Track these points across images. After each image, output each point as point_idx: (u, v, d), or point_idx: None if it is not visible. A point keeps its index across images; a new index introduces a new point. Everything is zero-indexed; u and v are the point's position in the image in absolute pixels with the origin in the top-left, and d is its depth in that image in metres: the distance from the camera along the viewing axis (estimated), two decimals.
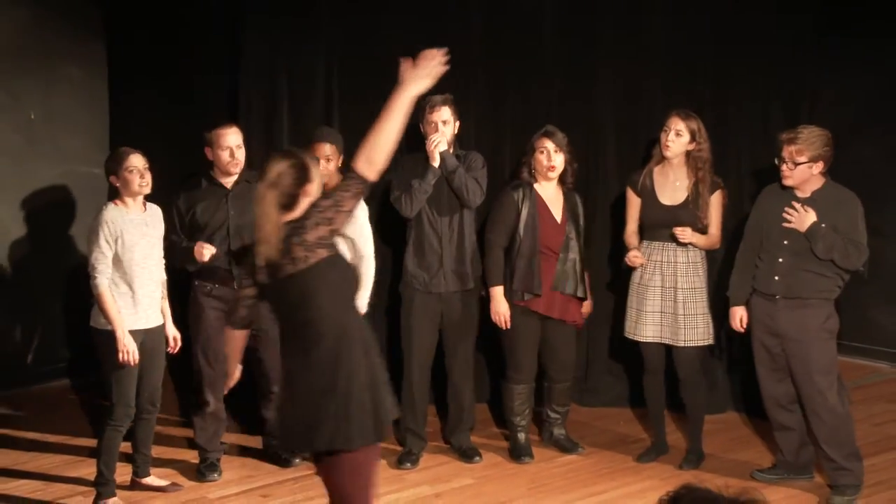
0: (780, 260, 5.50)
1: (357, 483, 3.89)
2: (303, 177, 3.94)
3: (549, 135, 5.98)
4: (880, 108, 7.42)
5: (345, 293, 3.96)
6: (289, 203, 3.91)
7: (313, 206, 3.85)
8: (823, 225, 5.36)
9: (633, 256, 5.93)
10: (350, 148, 6.05)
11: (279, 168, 3.93)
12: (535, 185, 6.04)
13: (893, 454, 6.08)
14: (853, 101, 7.38)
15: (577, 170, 6.17)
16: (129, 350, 5.27)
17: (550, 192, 6.07)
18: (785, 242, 5.48)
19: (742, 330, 5.73)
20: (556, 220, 6.03)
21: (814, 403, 5.48)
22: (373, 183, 3.86)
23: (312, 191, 3.95)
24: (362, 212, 5.76)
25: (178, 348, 5.75)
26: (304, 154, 4.10)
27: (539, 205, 6.02)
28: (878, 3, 7.31)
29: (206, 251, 5.66)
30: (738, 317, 5.70)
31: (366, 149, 3.82)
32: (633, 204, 6.05)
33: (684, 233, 5.79)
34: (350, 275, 4.01)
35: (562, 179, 6.06)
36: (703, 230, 5.88)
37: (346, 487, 3.88)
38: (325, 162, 5.94)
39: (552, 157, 5.96)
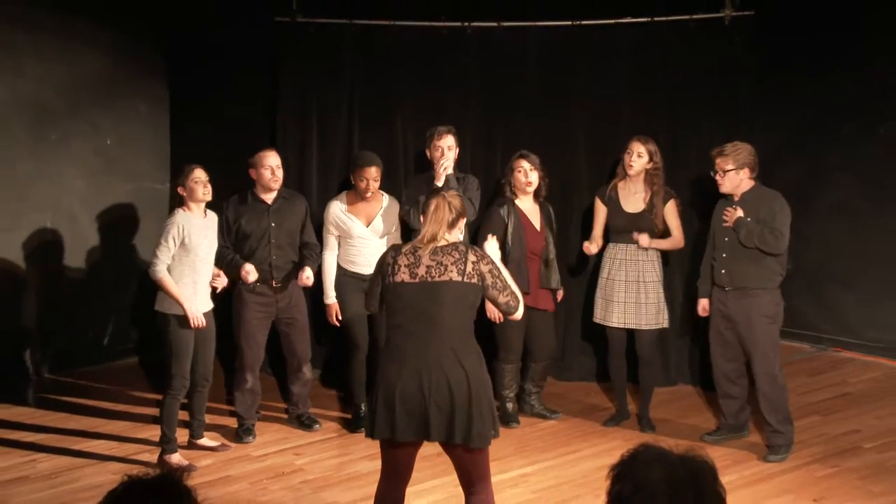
0: (724, 255, 5.50)
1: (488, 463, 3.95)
2: (464, 213, 3.99)
3: (524, 156, 5.93)
4: (803, 134, 7.43)
5: (472, 314, 3.92)
6: (453, 222, 3.89)
7: (492, 261, 3.89)
8: (749, 219, 5.37)
9: (586, 245, 6.03)
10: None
11: (453, 194, 3.99)
12: (516, 201, 5.99)
13: (813, 418, 6.06)
14: (782, 129, 7.37)
15: (555, 183, 6.14)
16: (198, 317, 5.30)
17: (528, 206, 6.01)
18: (726, 240, 5.50)
19: (706, 314, 5.71)
20: (536, 229, 5.99)
21: (758, 377, 5.46)
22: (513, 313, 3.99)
23: (462, 224, 3.99)
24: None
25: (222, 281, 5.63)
26: (465, 198, 4.23)
27: (522, 217, 5.97)
28: (802, 52, 7.34)
29: (251, 276, 5.65)
30: (702, 306, 5.72)
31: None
32: (600, 211, 6.05)
33: (641, 237, 5.78)
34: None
35: (537, 193, 6.01)
36: (661, 234, 5.89)
37: (483, 466, 3.89)
38: (373, 182, 5.88)
39: (528, 174, 5.91)
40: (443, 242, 3.82)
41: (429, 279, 3.74)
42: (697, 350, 6.76)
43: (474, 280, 3.76)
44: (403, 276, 3.77)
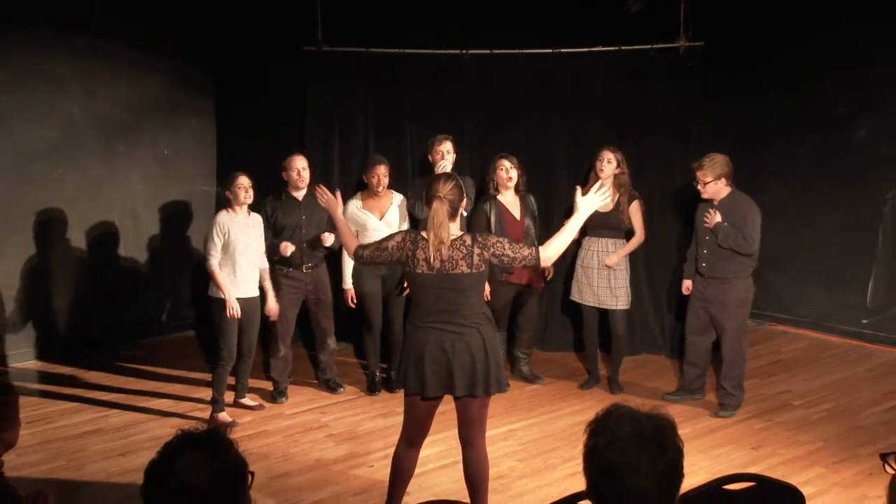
0: (705, 251, 5.44)
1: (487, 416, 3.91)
2: (462, 194, 3.74)
3: (504, 157, 5.87)
4: (744, 145, 7.42)
5: (483, 291, 3.81)
6: (453, 213, 3.68)
7: (498, 241, 3.68)
8: (726, 223, 5.30)
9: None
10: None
11: (446, 188, 3.69)
12: (499, 196, 5.92)
13: (753, 381, 6.04)
14: (726, 141, 7.31)
15: (538, 184, 6.09)
16: (234, 307, 5.26)
17: (509, 199, 5.93)
18: (707, 238, 5.42)
19: (688, 293, 5.63)
20: (516, 218, 5.90)
21: (725, 350, 5.44)
22: (538, 265, 3.72)
23: (464, 205, 3.80)
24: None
25: (276, 315, 5.64)
26: (457, 177, 3.83)
27: (502, 209, 5.90)
28: (743, 76, 7.32)
29: (289, 249, 5.62)
30: (686, 286, 5.66)
31: (549, 248, 3.68)
32: None
33: (610, 260, 5.76)
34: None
35: (517, 187, 5.96)
36: (627, 230, 5.84)
37: (485, 418, 3.84)
38: (383, 178, 5.84)
39: (509, 171, 5.84)
40: (448, 240, 3.67)
41: (444, 271, 3.65)
42: (658, 325, 6.75)
43: (482, 268, 3.68)
44: (423, 268, 3.67)
